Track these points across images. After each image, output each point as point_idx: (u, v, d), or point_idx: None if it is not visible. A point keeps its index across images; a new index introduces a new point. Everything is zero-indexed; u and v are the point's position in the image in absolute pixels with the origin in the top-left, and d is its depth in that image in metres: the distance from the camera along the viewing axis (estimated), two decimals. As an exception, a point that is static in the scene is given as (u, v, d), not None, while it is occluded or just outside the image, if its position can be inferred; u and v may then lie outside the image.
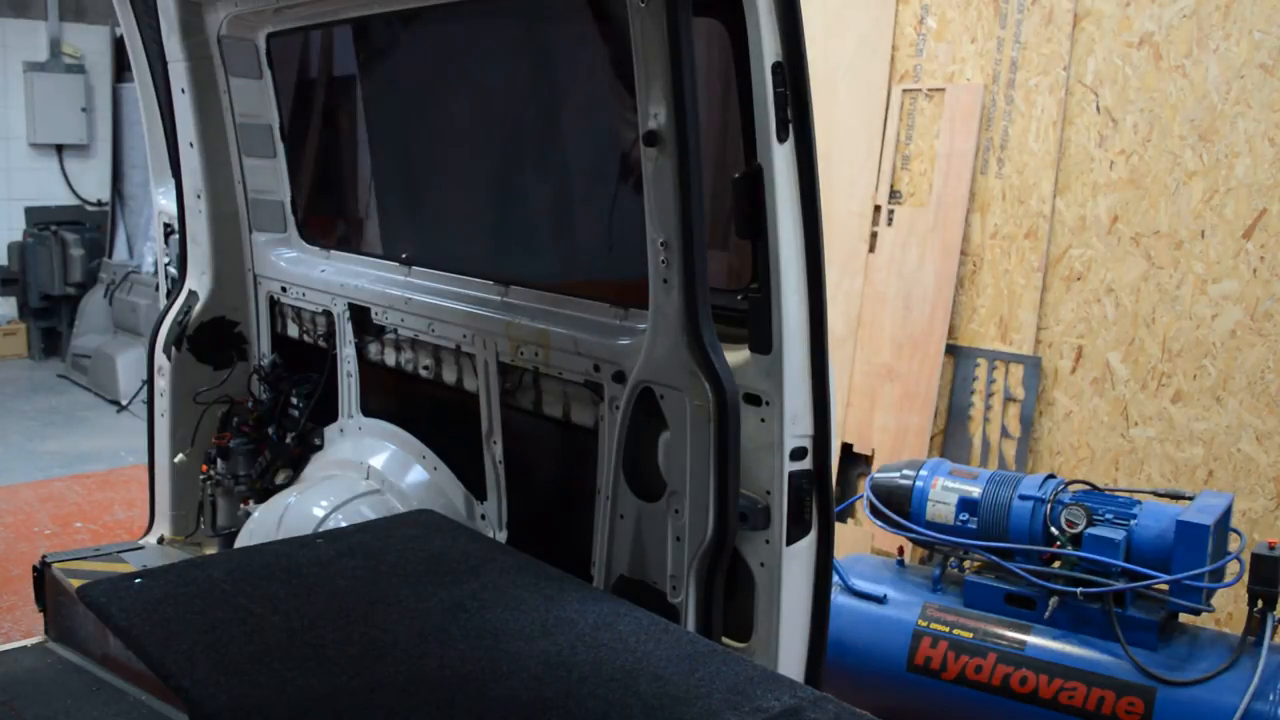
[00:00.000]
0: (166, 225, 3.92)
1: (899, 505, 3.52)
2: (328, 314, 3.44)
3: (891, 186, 4.83)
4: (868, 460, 4.81)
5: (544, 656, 1.93)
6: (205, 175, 3.55)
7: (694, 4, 2.10)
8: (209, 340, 3.71)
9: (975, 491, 3.41)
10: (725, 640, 2.25)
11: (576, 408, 2.71)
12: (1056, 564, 3.31)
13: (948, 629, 3.36)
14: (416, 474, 3.17)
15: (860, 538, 4.66)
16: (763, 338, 2.16)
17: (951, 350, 4.64)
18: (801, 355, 2.15)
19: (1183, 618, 3.25)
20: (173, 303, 3.72)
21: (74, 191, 9.87)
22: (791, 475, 2.18)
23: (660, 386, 2.31)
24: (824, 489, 2.23)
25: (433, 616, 2.10)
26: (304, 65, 3.75)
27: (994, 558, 3.37)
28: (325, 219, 3.84)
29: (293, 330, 3.68)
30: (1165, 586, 3.06)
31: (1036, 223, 4.42)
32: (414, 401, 3.31)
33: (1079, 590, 3.16)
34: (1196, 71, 4.02)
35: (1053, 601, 3.24)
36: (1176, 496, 3.38)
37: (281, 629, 2.04)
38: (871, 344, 4.80)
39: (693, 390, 2.22)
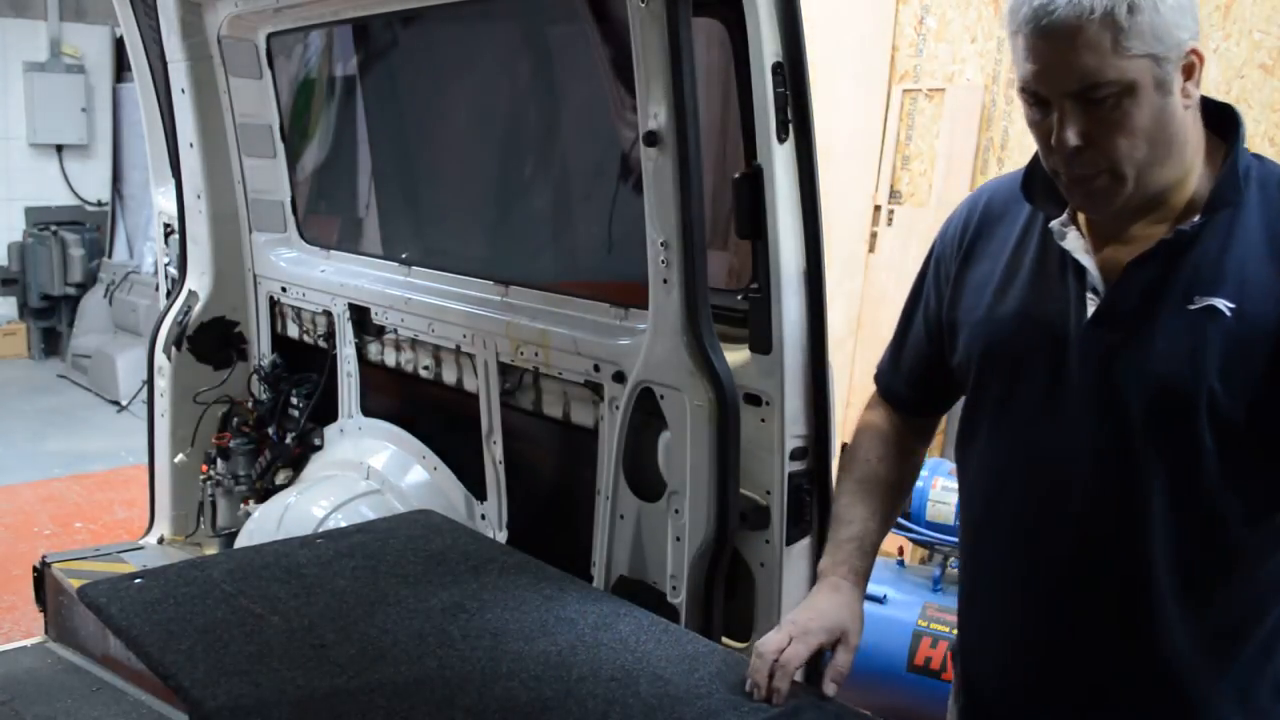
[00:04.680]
0: (166, 225, 3.91)
1: (899, 505, 3.52)
2: (328, 314, 3.44)
3: (891, 186, 4.83)
4: (868, 460, 4.81)
5: (544, 656, 1.93)
6: (205, 175, 3.55)
7: (694, 4, 2.10)
8: (209, 340, 3.71)
9: (975, 491, 3.41)
10: (725, 640, 2.25)
11: (576, 408, 2.71)
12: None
13: (948, 629, 3.36)
14: (416, 474, 3.17)
15: (860, 538, 4.67)
16: (763, 338, 2.16)
17: (951, 350, 4.64)
18: (801, 355, 2.15)
19: (1183, 618, 3.25)
20: (173, 303, 3.72)
21: (74, 191, 9.86)
22: (791, 475, 2.18)
23: (660, 386, 2.31)
24: (824, 489, 2.23)
25: (433, 616, 2.10)
26: (304, 65, 3.75)
27: (994, 558, 3.37)
28: (325, 219, 3.84)
29: (293, 330, 3.68)
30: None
31: (1036, 223, 4.42)
32: (414, 401, 3.31)
33: (1079, 590, 3.16)
34: (1196, 71, 4.02)
35: (1053, 601, 3.24)
36: (1176, 496, 3.37)
37: (281, 629, 2.04)
38: (871, 344, 4.80)
39: (693, 390, 2.22)
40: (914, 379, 1.78)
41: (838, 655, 1.68)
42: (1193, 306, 1.39)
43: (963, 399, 1.69)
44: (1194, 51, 1.37)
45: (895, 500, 1.84)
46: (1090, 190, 1.41)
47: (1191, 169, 1.44)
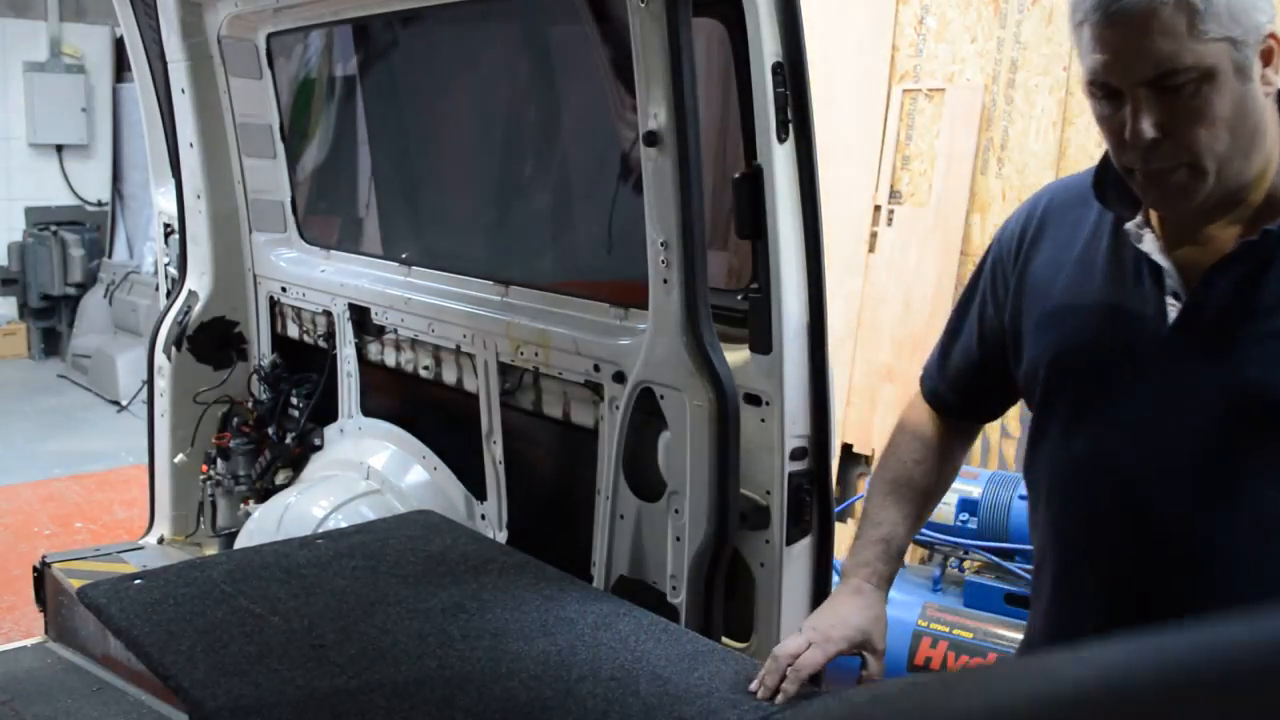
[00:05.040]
0: (166, 225, 3.91)
1: (899, 505, 3.52)
2: (328, 314, 3.44)
3: (891, 186, 4.83)
4: (868, 460, 4.81)
5: (544, 656, 1.93)
6: (205, 175, 3.55)
7: (694, 4, 2.10)
8: (209, 340, 3.71)
9: (975, 491, 3.41)
10: (725, 640, 2.25)
11: (576, 408, 2.71)
12: (1056, 564, 3.31)
13: (948, 629, 3.36)
14: (416, 474, 3.17)
15: (860, 538, 4.66)
16: (763, 338, 2.16)
17: (951, 350, 4.63)
18: (801, 355, 2.15)
19: (1183, 618, 3.25)
20: (173, 303, 3.72)
21: (74, 191, 9.86)
22: (791, 475, 2.18)
23: (660, 386, 2.31)
24: (824, 489, 2.23)
25: (433, 616, 2.10)
26: (304, 65, 3.75)
27: (994, 558, 3.37)
28: (325, 219, 3.84)
29: (293, 330, 3.68)
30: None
31: (1036, 223, 4.42)
32: (414, 401, 3.31)
33: (1079, 590, 3.16)
34: (1196, 71, 4.02)
35: (1053, 601, 3.23)
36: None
37: (281, 629, 2.04)
38: (871, 344, 4.80)
39: (693, 390, 2.22)
40: (960, 384, 1.72)
41: (869, 665, 1.64)
42: None
43: (1022, 404, 1.64)
44: (1273, 35, 1.30)
45: (927, 505, 1.78)
46: (1167, 186, 1.34)
47: (1270, 163, 1.37)
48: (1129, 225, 1.44)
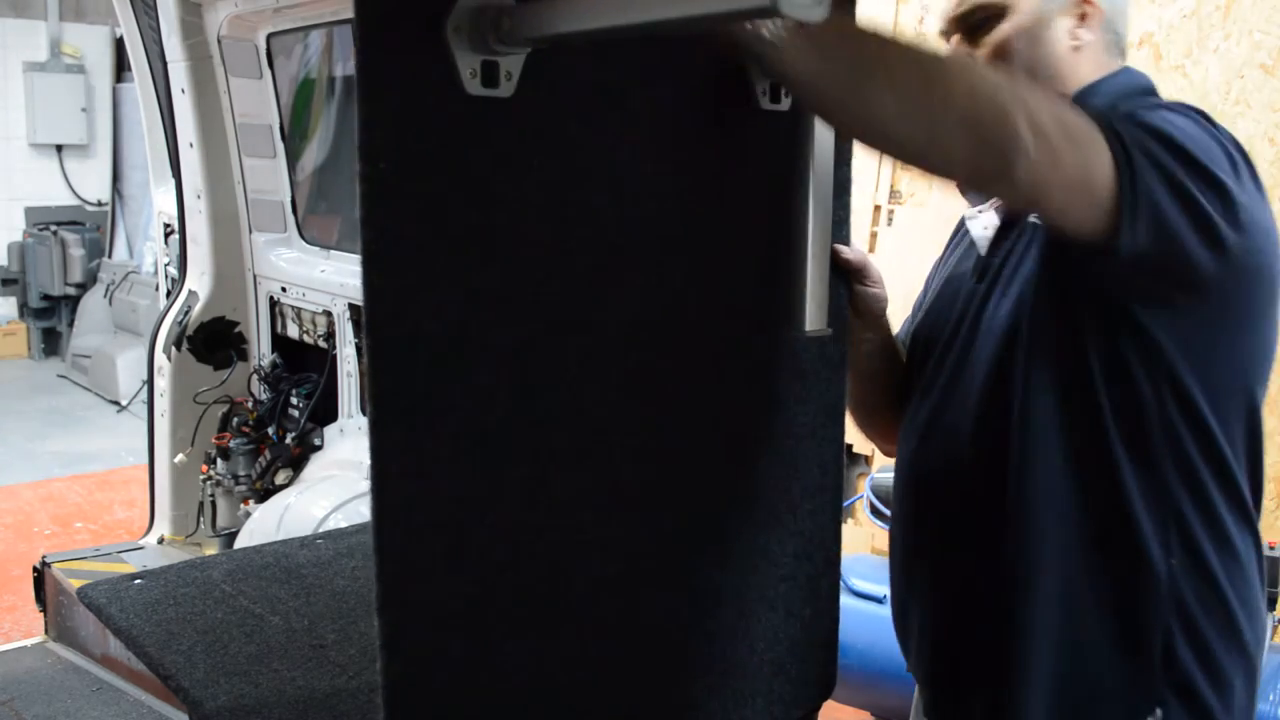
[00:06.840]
0: (166, 225, 3.92)
1: (899, 505, 3.52)
2: (328, 314, 3.44)
3: (891, 186, 4.84)
4: (867, 460, 4.81)
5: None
6: (205, 175, 3.55)
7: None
8: (209, 340, 3.71)
9: (975, 491, 3.41)
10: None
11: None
12: (1056, 564, 3.30)
13: (948, 629, 3.36)
14: (416, 474, 3.17)
15: (860, 538, 4.66)
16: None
17: (951, 350, 4.63)
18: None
19: (1183, 618, 3.24)
20: (173, 303, 3.73)
21: (74, 191, 9.87)
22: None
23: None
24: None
25: (432, 616, 2.10)
26: (304, 65, 3.75)
27: (994, 558, 3.36)
28: (325, 219, 3.84)
29: (293, 330, 3.68)
30: (1165, 586, 3.06)
31: (1036, 223, 4.42)
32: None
33: (1079, 590, 3.16)
34: (1196, 71, 4.02)
35: (1053, 601, 3.23)
36: (1176, 496, 3.36)
37: (281, 629, 2.04)
38: (871, 344, 4.79)
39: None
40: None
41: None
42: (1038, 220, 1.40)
43: None
44: (1088, 1, 1.39)
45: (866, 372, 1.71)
46: None
47: None
48: (966, 211, 1.55)
